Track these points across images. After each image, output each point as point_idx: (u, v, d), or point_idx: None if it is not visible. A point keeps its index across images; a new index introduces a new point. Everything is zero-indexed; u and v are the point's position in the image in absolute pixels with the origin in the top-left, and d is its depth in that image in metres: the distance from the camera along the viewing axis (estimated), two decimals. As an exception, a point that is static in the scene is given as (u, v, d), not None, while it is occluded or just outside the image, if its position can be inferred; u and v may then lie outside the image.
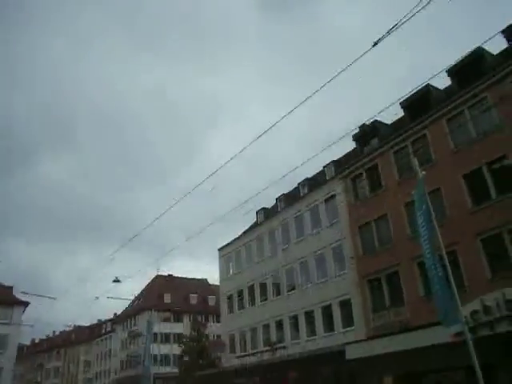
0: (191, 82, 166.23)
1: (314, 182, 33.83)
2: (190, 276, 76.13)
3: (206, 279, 77.68)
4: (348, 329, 26.29)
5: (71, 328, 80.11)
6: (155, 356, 59.52)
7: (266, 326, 33.39)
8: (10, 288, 52.41)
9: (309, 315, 29.64)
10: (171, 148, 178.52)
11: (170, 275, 73.69)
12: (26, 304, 49.70)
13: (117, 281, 32.04)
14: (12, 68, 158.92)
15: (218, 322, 67.40)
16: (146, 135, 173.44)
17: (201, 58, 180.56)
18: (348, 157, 32.02)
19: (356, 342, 24.10)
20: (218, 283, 75.70)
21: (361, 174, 27.98)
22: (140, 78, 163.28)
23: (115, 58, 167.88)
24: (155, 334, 61.19)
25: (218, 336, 59.12)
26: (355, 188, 28.33)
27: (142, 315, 65.67)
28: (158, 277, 72.05)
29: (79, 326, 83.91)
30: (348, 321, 26.67)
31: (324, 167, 32.81)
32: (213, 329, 61.01)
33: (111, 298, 21.93)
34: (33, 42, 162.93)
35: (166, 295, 68.87)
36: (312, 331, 29.18)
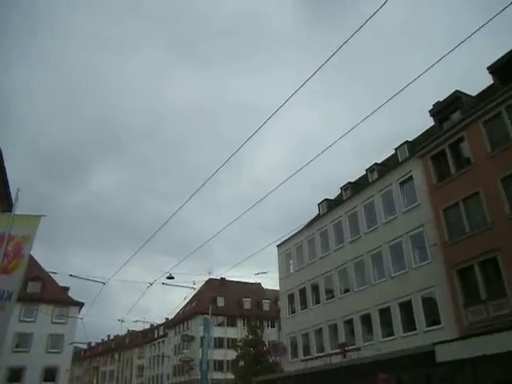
0: (232, 92, 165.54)
1: (384, 167, 30.63)
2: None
3: (259, 283, 75.14)
4: (434, 327, 22.72)
5: (125, 332, 79.95)
6: (208, 361, 57.46)
7: (333, 327, 30.21)
8: (67, 289, 52.31)
9: (384, 313, 26.26)
10: (217, 158, 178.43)
11: (222, 279, 71.06)
12: (80, 304, 49.26)
13: (170, 277, 30.22)
14: (68, 86, 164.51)
15: (273, 327, 64.85)
16: (191, 145, 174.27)
17: (240, 67, 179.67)
18: (424, 136, 28.61)
19: (449, 341, 20.53)
20: (271, 287, 73.98)
21: (443, 150, 24.54)
22: (182, 89, 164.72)
23: (157, 69, 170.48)
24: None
25: (273, 341, 56.44)
26: (436, 167, 24.88)
27: (195, 319, 63.96)
28: (210, 280, 70.05)
29: (132, 331, 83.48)
30: (433, 318, 23.15)
31: (396, 149, 29.56)
32: (267, 334, 58.35)
33: (166, 284, 19.47)
34: (84, 59, 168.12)
35: (220, 299, 66.94)
36: (388, 331, 25.78)
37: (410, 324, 24.42)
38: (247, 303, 68.58)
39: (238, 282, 72.03)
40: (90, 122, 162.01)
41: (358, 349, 26.41)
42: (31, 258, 51.66)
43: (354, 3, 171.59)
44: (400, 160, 28.56)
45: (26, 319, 45.28)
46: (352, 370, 25.57)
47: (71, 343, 45.25)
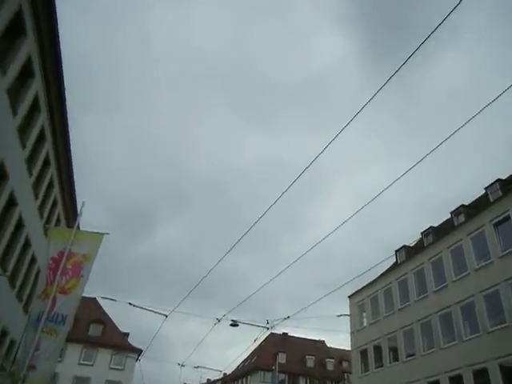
0: (297, 149, 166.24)
1: (471, 209, 27.61)
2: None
3: (323, 341, 70.75)
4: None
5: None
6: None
7: (415, 389, 26.50)
8: (127, 335, 51.36)
9: (480, 375, 22.47)
10: (277, 217, 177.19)
11: (284, 334, 67.75)
12: (139, 352, 47.63)
13: (234, 325, 28.21)
14: (141, 147, 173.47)
15: (337, 388, 59.89)
16: (253, 204, 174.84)
17: (304, 124, 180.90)
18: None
19: None
20: (335, 346, 69.04)
21: (547, 186, 21.55)
22: (246, 150, 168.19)
23: (223, 131, 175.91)
24: (268, 397, 55.40)
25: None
26: (540, 204, 21.82)
27: (255, 376, 60.45)
28: (271, 335, 66.55)
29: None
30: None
31: (486, 188, 26.59)
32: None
33: (235, 322, 17.45)
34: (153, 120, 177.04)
35: (281, 355, 62.89)
36: (486, 397, 21.92)
37: (514, 389, 20.58)
38: (310, 361, 64.16)
39: (300, 338, 68.16)
40: (160, 181, 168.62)
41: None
42: (95, 301, 51.74)
43: (419, 64, 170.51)
44: (492, 200, 25.59)
45: (85, 362, 44.41)
46: None
47: (127, 390, 43.47)
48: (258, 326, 17.58)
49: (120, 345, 47.69)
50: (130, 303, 14.45)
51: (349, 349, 60.14)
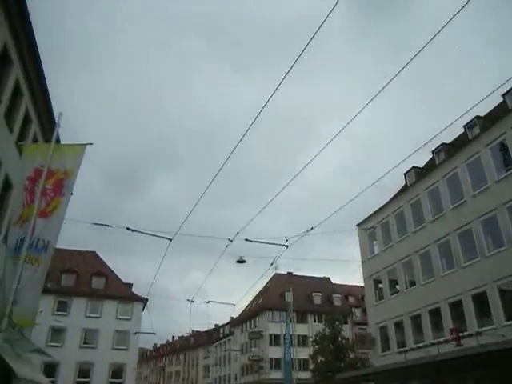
0: (285, 95, 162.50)
1: (487, 121, 25.59)
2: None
3: (328, 277, 70.61)
4: None
5: (189, 333, 78.04)
6: (277, 360, 53.94)
7: (435, 312, 25.42)
8: (130, 285, 50.71)
9: (506, 290, 21.28)
10: (270, 164, 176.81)
11: (289, 273, 67.39)
12: (144, 300, 46.92)
13: (241, 261, 26.79)
14: (133, 102, 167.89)
15: (345, 323, 60.03)
16: (245, 153, 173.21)
17: (292, 71, 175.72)
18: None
19: None
20: (340, 282, 68.93)
21: None
22: (235, 98, 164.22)
23: (213, 83, 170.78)
24: (276, 336, 55.62)
25: (347, 339, 51.58)
26: None
27: (263, 316, 60.51)
28: (276, 275, 66.12)
29: (197, 331, 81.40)
30: None
31: (504, 95, 24.37)
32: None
33: (249, 240, 15.22)
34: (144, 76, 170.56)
35: (288, 294, 62.70)
36: (512, 312, 20.76)
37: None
38: (317, 298, 64.13)
39: (305, 276, 67.90)
40: (152, 137, 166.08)
41: (478, 333, 21.43)
42: (94, 254, 50.65)
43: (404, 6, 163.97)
44: (510, 107, 23.53)
45: (92, 315, 43.80)
46: (467, 361, 20.62)
47: (135, 333, 42.81)
48: (275, 244, 15.68)
49: (125, 295, 47.03)
50: (127, 228, 12.60)
51: (353, 284, 60.27)
